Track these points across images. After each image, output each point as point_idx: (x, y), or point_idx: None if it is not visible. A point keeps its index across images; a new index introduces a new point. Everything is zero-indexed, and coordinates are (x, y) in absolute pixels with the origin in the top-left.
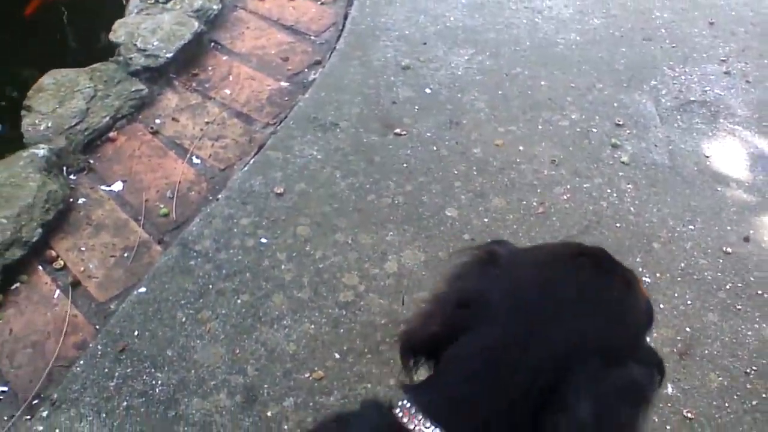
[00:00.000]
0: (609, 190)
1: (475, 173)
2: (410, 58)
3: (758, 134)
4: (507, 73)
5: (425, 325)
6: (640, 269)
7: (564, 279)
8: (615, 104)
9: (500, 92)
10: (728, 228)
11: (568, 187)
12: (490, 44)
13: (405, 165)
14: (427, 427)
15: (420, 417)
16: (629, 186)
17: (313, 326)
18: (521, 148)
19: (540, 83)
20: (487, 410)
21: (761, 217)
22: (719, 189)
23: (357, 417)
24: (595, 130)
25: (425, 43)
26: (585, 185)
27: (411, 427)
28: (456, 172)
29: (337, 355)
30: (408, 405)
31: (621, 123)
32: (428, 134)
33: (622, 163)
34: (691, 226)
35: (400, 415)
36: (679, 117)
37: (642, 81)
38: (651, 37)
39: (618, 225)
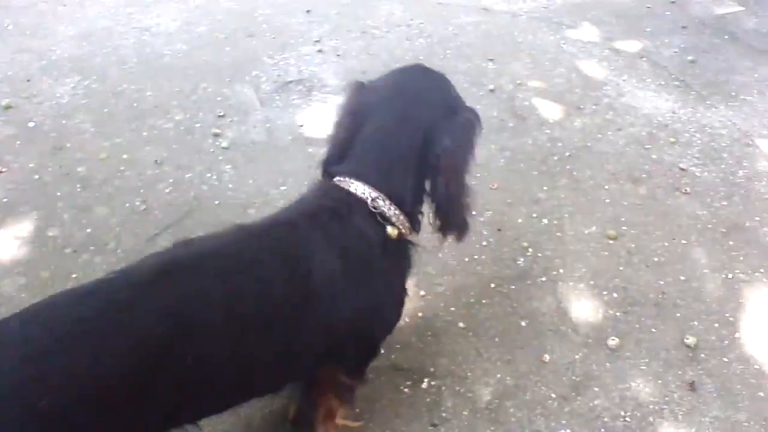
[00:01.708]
0: (209, 175)
1: (79, 190)
2: (12, 97)
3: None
4: (113, 91)
5: (336, 137)
6: None
7: (409, 78)
8: (218, 98)
9: (106, 110)
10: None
11: (171, 181)
12: (97, 69)
13: (6, 200)
14: (353, 184)
15: (348, 178)
16: (228, 167)
17: None
18: (125, 156)
19: (146, 94)
20: (390, 163)
21: None
22: (310, 150)
23: (310, 187)
24: (198, 125)
25: (29, 80)
26: (187, 175)
27: (345, 186)
28: (59, 194)
29: None
30: (338, 174)
31: (223, 114)
32: (31, 165)
33: (223, 148)
34: (283, 187)
35: (338, 179)
36: (277, 98)
37: (244, 73)
38: (254, 33)
39: (217, 203)
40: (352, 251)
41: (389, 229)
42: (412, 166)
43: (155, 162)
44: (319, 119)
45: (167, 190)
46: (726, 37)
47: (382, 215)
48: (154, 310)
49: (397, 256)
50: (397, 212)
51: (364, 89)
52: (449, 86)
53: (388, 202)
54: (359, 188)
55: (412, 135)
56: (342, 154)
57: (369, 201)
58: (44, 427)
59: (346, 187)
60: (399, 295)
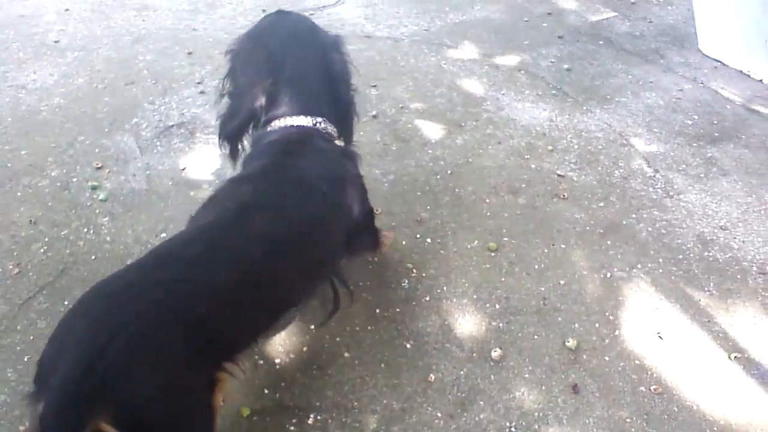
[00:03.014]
0: (86, 230)
1: None
2: None
3: None
4: None
5: (255, 91)
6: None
7: (284, 22)
8: (96, 150)
9: None
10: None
11: (46, 240)
12: None
13: None
14: (300, 118)
15: (293, 116)
16: (105, 219)
17: None
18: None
19: (21, 153)
20: (314, 94)
21: None
22: (192, 194)
23: (261, 134)
24: (75, 179)
25: None
26: (63, 232)
27: (295, 122)
28: None
29: None
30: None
31: (100, 166)
32: None
33: (101, 200)
34: (163, 234)
35: (283, 120)
36: (158, 143)
37: (124, 122)
38: (134, 80)
39: (94, 257)
40: (329, 164)
41: (338, 142)
42: (323, 89)
43: (30, 222)
44: (203, 161)
45: (42, 250)
46: (601, 42)
47: (328, 133)
48: (252, 238)
49: (350, 157)
50: (332, 128)
51: (258, 41)
52: (310, 20)
53: (325, 123)
54: (307, 120)
55: (315, 65)
56: (270, 100)
57: (318, 126)
58: (196, 326)
59: (297, 123)
60: (360, 178)
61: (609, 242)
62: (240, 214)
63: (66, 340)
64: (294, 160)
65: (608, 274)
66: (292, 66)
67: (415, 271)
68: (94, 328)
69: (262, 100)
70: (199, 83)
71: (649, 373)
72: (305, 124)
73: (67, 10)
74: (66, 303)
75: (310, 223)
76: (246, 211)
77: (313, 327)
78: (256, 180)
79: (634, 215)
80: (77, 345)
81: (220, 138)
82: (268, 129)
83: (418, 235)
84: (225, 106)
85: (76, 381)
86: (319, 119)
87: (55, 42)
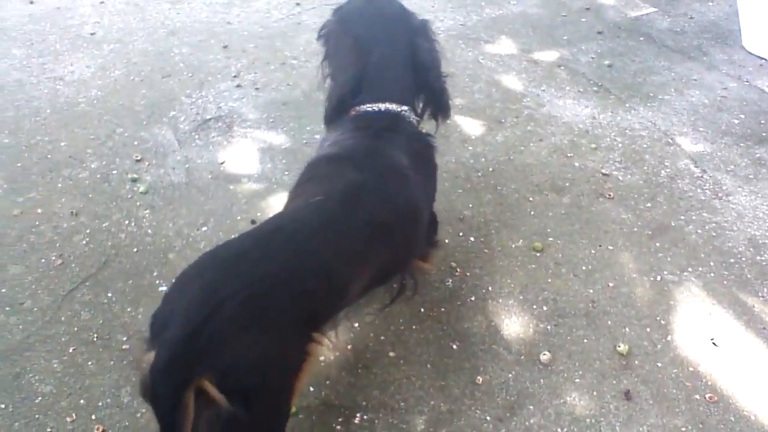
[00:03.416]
0: (127, 222)
1: None
2: None
3: (266, 130)
4: (27, 144)
5: (346, 74)
6: (158, 281)
7: (377, 7)
8: (135, 143)
9: (19, 164)
10: (238, 218)
11: (88, 232)
12: (9, 123)
13: None
14: (385, 105)
15: (378, 103)
16: (147, 212)
17: None
18: (40, 210)
19: (60, 144)
20: (399, 81)
21: (267, 199)
22: (231, 187)
23: (346, 121)
24: (115, 171)
25: None
26: (104, 225)
27: (380, 108)
28: None
29: None
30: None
31: (140, 158)
32: None
33: (141, 193)
34: (204, 228)
35: (368, 106)
36: (197, 136)
37: (161, 115)
38: (170, 73)
39: (135, 250)
40: (417, 151)
41: (421, 129)
42: (409, 76)
43: (71, 214)
44: (240, 155)
45: (84, 242)
46: (641, 38)
47: (413, 122)
48: (360, 219)
49: (432, 147)
50: (414, 116)
51: (348, 25)
52: (398, 2)
53: (409, 111)
54: (393, 107)
55: (402, 51)
56: (357, 86)
57: (404, 114)
58: (302, 300)
59: (385, 108)
60: (437, 169)
61: (658, 244)
62: (349, 194)
63: (179, 299)
64: (385, 146)
65: (658, 277)
66: (380, 52)
67: (458, 270)
68: (206, 291)
69: (350, 85)
70: (235, 77)
71: (703, 380)
72: (393, 110)
73: (102, 2)
74: (109, 295)
75: (410, 208)
76: (354, 191)
77: (354, 325)
78: (356, 161)
79: (682, 217)
80: (188, 306)
81: (324, 121)
82: (353, 113)
83: (460, 233)
84: (327, 90)
85: (183, 341)
86: (404, 107)
87: (91, 34)
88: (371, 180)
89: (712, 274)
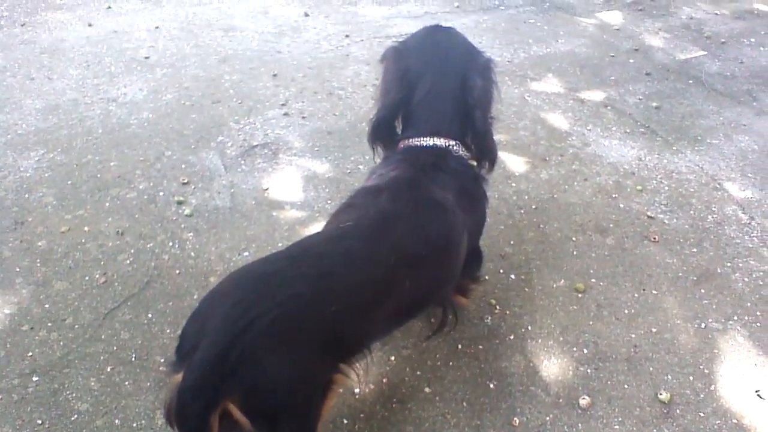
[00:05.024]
0: (171, 243)
1: (38, 265)
2: None
3: (311, 158)
4: (78, 163)
5: (387, 100)
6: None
7: (435, 37)
8: (183, 166)
9: (70, 182)
10: (279, 244)
11: (132, 251)
12: (63, 140)
13: None
14: (434, 140)
15: (425, 137)
16: (190, 234)
17: None
18: (87, 228)
19: (110, 164)
20: (448, 115)
21: (309, 227)
22: (274, 214)
23: (392, 155)
24: (161, 193)
25: None
26: (149, 245)
27: (428, 142)
28: (18, 269)
29: None
30: (412, 137)
31: (186, 181)
32: None
33: (186, 216)
34: (246, 253)
35: (415, 140)
36: (242, 162)
37: (209, 140)
38: (220, 99)
39: (178, 272)
40: (462, 185)
41: (472, 163)
42: (460, 112)
43: (117, 233)
44: (285, 182)
45: (128, 261)
46: (690, 81)
47: (461, 156)
48: (388, 246)
49: (480, 179)
50: (464, 151)
51: (402, 54)
52: (463, 37)
53: (459, 145)
54: (441, 142)
55: (454, 86)
56: (394, 115)
57: (451, 148)
58: (329, 324)
59: (431, 143)
60: (485, 205)
61: (703, 291)
62: (378, 222)
63: (208, 317)
64: (429, 179)
65: (703, 325)
66: (429, 86)
67: (498, 307)
68: (236, 310)
69: (388, 110)
70: (283, 105)
71: None
72: (440, 145)
73: (157, 27)
74: (149, 315)
75: (443, 241)
76: (384, 219)
77: (390, 358)
78: (393, 192)
79: (729, 263)
80: (218, 326)
81: (367, 140)
82: (401, 146)
83: (501, 270)
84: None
85: (213, 363)
86: (452, 142)
87: (146, 58)
88: (404, 210)
89: (759, 324)
